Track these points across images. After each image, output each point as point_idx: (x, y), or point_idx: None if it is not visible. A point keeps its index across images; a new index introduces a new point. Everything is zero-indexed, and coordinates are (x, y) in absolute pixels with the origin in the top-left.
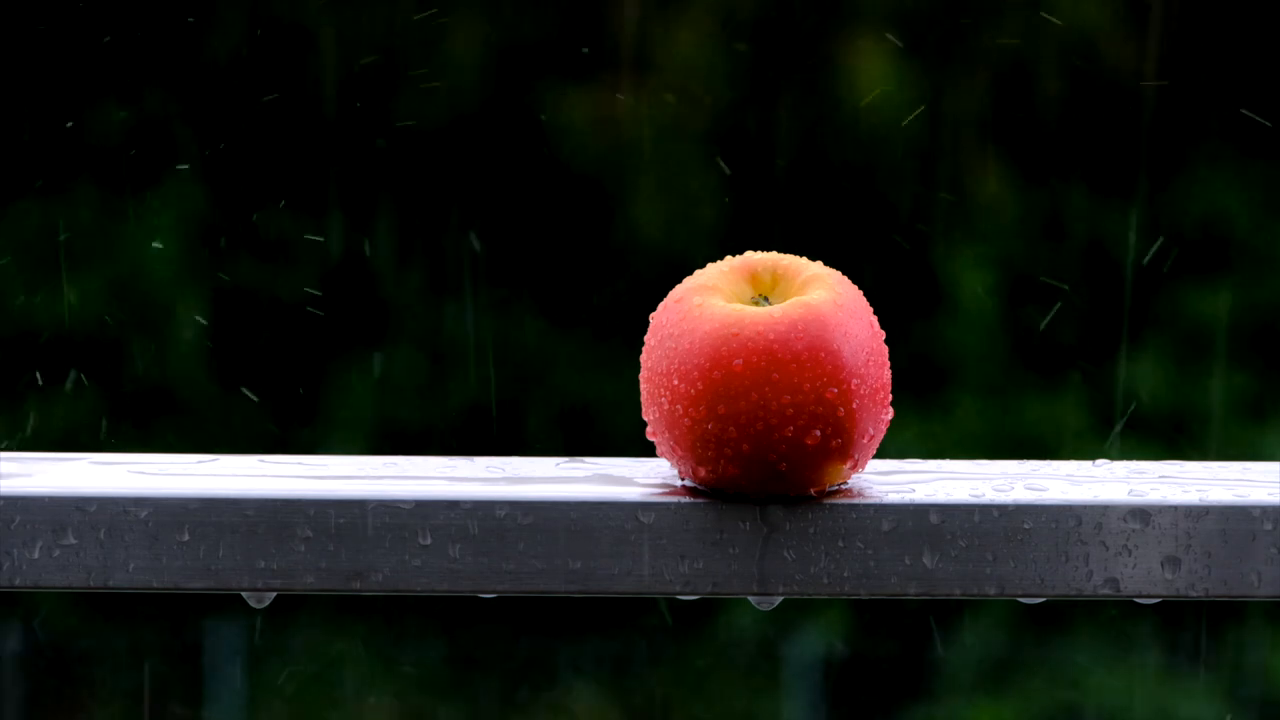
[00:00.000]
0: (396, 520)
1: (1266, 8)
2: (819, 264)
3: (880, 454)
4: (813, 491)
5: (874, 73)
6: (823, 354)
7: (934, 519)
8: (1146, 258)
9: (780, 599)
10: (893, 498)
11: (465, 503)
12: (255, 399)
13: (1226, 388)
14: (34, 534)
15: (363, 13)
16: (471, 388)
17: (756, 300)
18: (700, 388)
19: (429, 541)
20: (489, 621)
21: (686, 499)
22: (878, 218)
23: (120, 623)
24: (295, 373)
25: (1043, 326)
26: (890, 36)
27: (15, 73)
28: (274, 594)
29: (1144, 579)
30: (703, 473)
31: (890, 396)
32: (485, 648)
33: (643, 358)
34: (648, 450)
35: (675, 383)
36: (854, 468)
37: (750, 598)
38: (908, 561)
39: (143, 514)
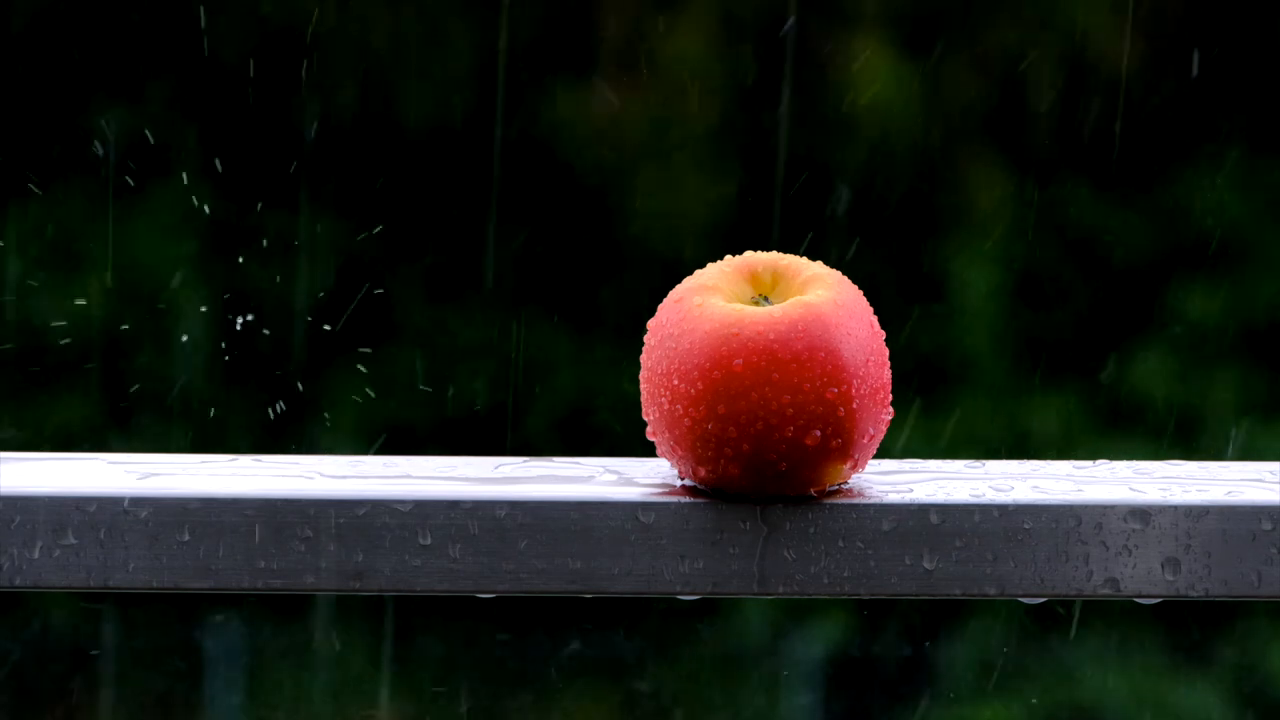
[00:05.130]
0: (396, 520)
1: (1268, 6)
2: (819, 264)
3: (880, 454)
4: (813, 491)
5: (874, 73)
6: (823, 354)
7: (934, 519)
8: (1147, 257)
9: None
10: (893, 498)
11: (465, 503)
12: (256, 399)
13: (1226, 388)
14: (34, 534)
15: (364, 12)
16: (472, 388)
17: (756, 300)
18: (700, 388)
19: (429, 541)
20: (489, 621)
21: (686, 499)
22: (878, 218)
23: (120, 623)
24: (295, 372)
25: (1043, 326)
26: (890, 36)
27: (16, 71)
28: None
29: (1144, 579)
30: (703, 473)
31: (890, 396)
32: (485, 648)
33: (643, 358)
34: (648, 450)
35: (675, 383)
36: (854, 468)
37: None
38: (908, 561)
39: (143, 514)
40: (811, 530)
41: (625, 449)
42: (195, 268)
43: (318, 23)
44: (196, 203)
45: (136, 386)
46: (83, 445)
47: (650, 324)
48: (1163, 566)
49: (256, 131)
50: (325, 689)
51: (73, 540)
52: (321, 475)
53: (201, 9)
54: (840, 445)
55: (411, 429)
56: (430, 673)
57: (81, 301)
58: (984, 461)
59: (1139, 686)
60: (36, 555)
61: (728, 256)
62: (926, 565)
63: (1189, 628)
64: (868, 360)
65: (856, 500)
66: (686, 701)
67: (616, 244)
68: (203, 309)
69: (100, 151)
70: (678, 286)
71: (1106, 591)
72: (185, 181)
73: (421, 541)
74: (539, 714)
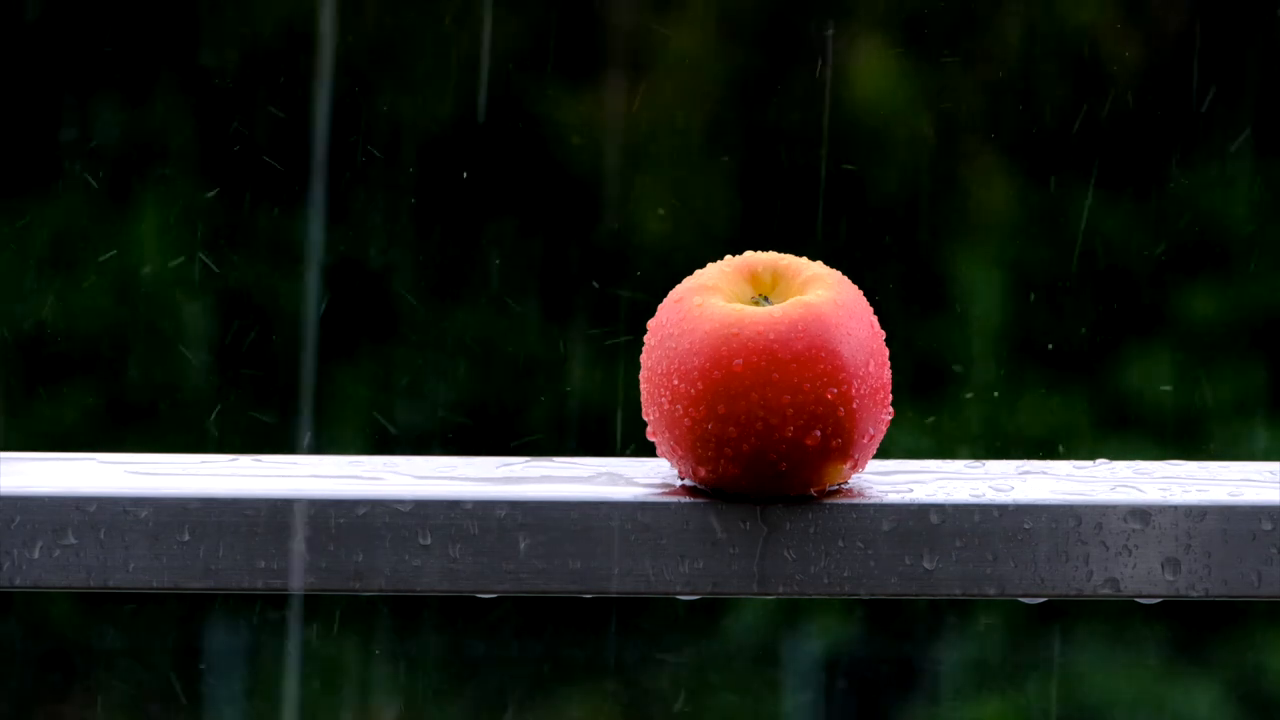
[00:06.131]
0: (396, 520)
1: (1269, 5)
2: (819, 264)
3: (880, 454)
4: (813, 491)
5: (874, 73)
6: (823, 354)
7: (934, 519)
8: (1147, 257)
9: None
10: (893, 498)
11: (465, 503)
12: (255, 399)
13: (1226, 388)
14: (34, 534)
15: (363, 11)
16: (471, 388)
17: (756, 300)
18: (700, 388)
19: (429, 541)
20: (489, 621)
21: (686, 499)
22: (878, 218)
23: (120, 622)
24: (296, 372)
25: (1043, 326)
26: (890, 36)
27: (16, 72)
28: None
29: (1144, 579)
30: (703, 473)
31: (890, 396)
32: (485, 648)
33: (643, 358)
34: (648, 450)
35: (675, 383)
36: (854, 468)
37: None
38: (908, 561)
39: (143, 514)
40: (811, 530)
41: (626, 449)
42: (195, 268)
43: (317, 22)
44: (196, 203)
45: (136, 386)
46: (83, 445)
47: (650, 324)
48: (1163, 566)
49: (256, 131)
50: (325, 689)
51: (73, 540)
52: (321, 475)
53: (202, 8)
54: (840, 445)
55: (411, 429)
56: (430, 673)
57: (81, 301)
58: (984, 461)
59: (1139, 686)
60: (36, 555)
61: (728, 256)
62: (926, 565)
63: (1189, 628)
64: (868, 360)
65: (856, 500)
66: (686, 702)
67: (616, 244)
68: (202, 309)
69: (100, 150)
70: (678, 286)
71: (1106, 591)
72: (185, 181)
73: (421, 541)
74: (539, 714)
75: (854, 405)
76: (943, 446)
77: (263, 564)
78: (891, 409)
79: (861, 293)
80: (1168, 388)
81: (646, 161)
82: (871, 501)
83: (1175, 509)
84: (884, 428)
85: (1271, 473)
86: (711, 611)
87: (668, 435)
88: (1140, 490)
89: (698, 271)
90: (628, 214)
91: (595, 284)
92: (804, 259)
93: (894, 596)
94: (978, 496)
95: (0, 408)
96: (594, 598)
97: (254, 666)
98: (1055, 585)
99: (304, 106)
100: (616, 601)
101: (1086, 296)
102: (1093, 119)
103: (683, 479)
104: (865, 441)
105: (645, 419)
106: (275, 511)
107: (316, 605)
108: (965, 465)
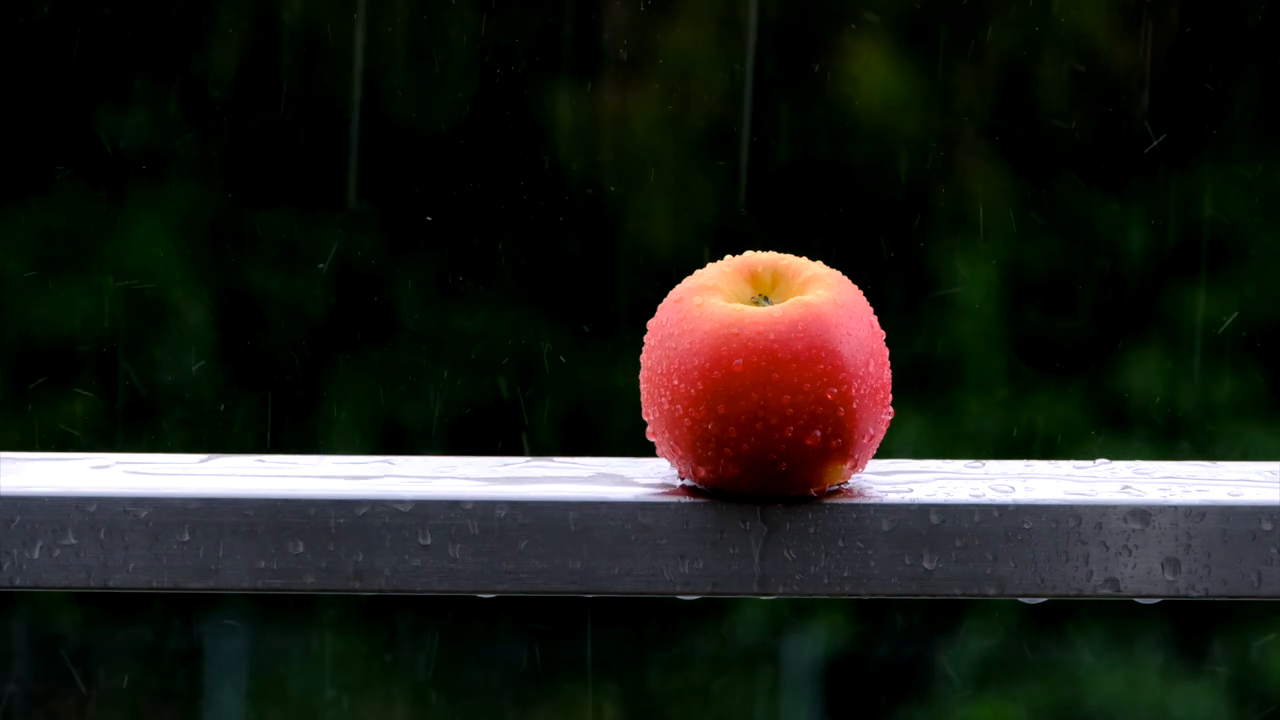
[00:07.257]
0: (396, 520)
1: (1269, 5)
2: (819, 264)
3: (880, 454)
4: (813, 491)
5: (874, 72)
6: (823, 354)
7: (934, 519)
8: (1147, 257)
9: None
10: (893, 498)
11: (465, 503)
12: (256, 399)
13: (1226, 388)
14: (34, 534)
15: (364, 12)
16: (471, 388)
17: (756, 300)
18: (700, 388)
19: (429, 541)
20: (489, 621)
21: (686, 499)
22: (877, 217)
23: (120, 622)
24: (296, 372)
25: (1043, 326)
26: (890, 36)
27: (16, 72)
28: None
29: (1144, 579)
30: (703, 473)
31: (890, 396)
32: (485, 648)
33: (643, 358)
34: (648, 450)
35: (675, 383)
36: (854, 468)
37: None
38: (908, 561)
39: (143, 514)
40: (811, 530)
41: (625, 449)
42: (195, 268)
43: (317, 22)
44: (196, 203)
45: (136, 386)
46: (83, 445)
47: (650, 324)
48: (1163, 566)
49: (256, 131)
50: (325, 689)
51: (73, 540)
52: (321, 475)
53: (202, 9)
54: (840, 445)
55: (412, 429)
56: (430, 673)
57: (82, 301)
58: (984, 461)
59: (1139, 686)
60: (36, 555)
61: (728, 256)
62: (926, 565)
63: (1189, 628)
64: (868, 360)
65: (856, 500)
66: (686, 701)
67: (616, 243)
68: (203, 309)
69: (101, 151)
70: (678, 286)
71: (1106, 591)
72: (185, 181)
73: (421, 541)
74: (539, 714)
75: (854, 405)
76: (942, 446)
77: (263, 564)
78: (891, 409)
79: (861, 293)
80: (1167, 388)
81: (646, 161)
82: (871, 501)
83: (1175, 509)
84: (884, 428)
85: (1271, 473)
86: (711, 611)
87: (668, 435)
88: (1140, 490)
89: (698, 271)
90: (627, 214)
91: (595, 284)
92: (804, 259)
93: (894, 596)
94: (978, 496)
95: (1, 408)
96: (594, 598)
97: (253, 666)
98: (1055, 585)
99: (304, 107)
100: (616, 601)
101: (1086, 296)
102: (1091, 118)
103: (683, 479)
104: (865, 441)
105: (645, 419)
106: (275, 511)
107: (316, 605)
108: (965, 465)
